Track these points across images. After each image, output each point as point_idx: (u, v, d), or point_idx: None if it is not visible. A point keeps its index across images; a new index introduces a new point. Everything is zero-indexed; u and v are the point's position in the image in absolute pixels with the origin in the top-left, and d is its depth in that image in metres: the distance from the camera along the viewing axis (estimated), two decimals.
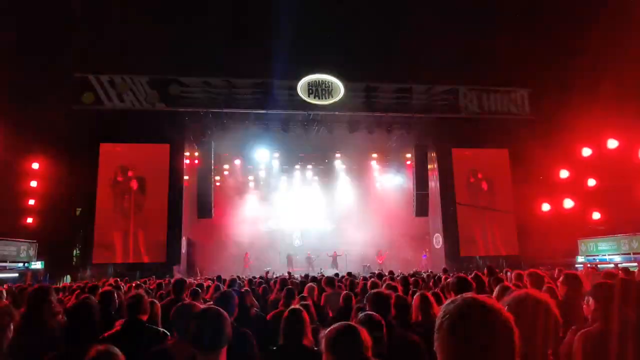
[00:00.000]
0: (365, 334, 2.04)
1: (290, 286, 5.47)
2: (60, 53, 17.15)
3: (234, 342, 2.34)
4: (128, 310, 3.55)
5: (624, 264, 14.38)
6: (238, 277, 9.38)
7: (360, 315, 2.91)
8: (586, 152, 17.93)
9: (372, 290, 3.99)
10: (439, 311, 1.27)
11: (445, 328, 1.19)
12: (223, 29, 18.45)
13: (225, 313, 2.33)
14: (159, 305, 4.16)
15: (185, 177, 18.73)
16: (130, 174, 17.94)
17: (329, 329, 2.06)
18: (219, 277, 10.01)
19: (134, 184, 17.93)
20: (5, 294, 6.13)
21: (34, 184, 17.38)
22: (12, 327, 2.57)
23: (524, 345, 1.70)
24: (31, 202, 17.21)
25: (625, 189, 16.58)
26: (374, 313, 2.91)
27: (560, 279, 4.14)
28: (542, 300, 1.87)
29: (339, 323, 2.10)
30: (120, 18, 17.54)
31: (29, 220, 17.07)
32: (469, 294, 1.27)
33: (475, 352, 1.14)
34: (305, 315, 3.15)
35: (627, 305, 2.41)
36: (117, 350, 2.06)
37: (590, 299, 2.57)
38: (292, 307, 3.32)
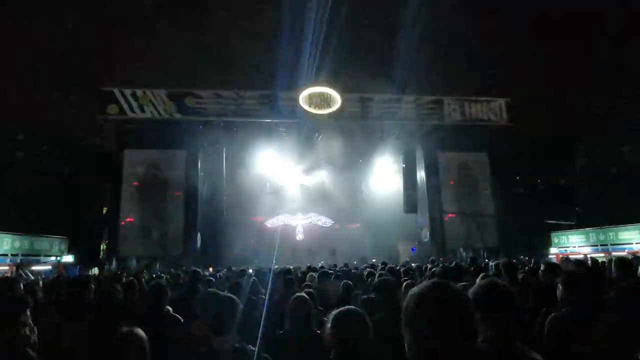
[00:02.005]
0: (367, 318, 2.01)
1: (290, 276, 5.46)
2: (88, 69, 17.23)
3: (245, 325, 2.34)
4: (150, 297, 3.56)
5: (593, 255, 14.39)
6: (247, 268, 9.38)
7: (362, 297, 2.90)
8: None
9: (380, 278, 3.97)
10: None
11: (411, 308, 1.17)
12: (232, 47, 18.52)
13: (237, 299, 2.34)
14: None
15: (200, 179, 18.72)
16: (150, 177, 17.95)
17: (335, 312, 2.03)
18: (228, 269, 10.03)
19: (154, 186, 17.94)
20: (41, 284, 6.13)
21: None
22: (28, 312, 2.53)
23: (490, 328, 1.68)
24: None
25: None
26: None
27: (542, 268, 4.14)
28: (504, 288, 1.86)
29: (345, 307, 2.07)
30: (142, 38, 17.61)
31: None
32: (433, 280, 1.26)
33: (438, 328, 1.12)
34: (309, 301, 3.13)
35: (592, 291, 2.42)
36: (140, 332, 2.04)
37: (560, 285, 2.57)
38: (298, 294, 3.29)
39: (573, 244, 17.88)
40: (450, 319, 1.13)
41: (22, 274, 9.91)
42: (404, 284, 4.08)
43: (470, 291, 1.86)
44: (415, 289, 1.20)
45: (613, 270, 5.37)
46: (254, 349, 2.27)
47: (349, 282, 5.32)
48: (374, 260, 17.16)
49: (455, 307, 1.14)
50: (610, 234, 16.26)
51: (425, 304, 1.15)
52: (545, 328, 2.39)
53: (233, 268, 10.51)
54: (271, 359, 2.39)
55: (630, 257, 8.34)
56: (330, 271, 7.63)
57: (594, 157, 20.66)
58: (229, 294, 2.48)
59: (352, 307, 2.09)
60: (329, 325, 1.98)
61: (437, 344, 1.12)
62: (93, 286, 3.66)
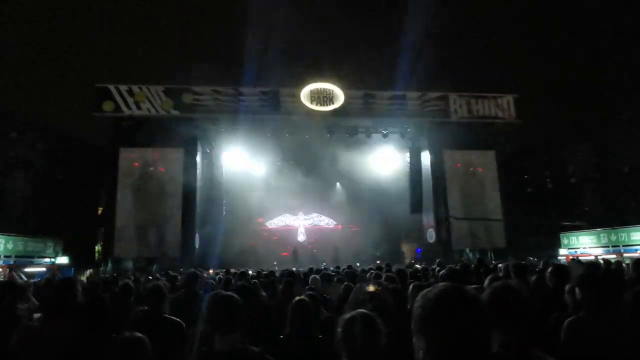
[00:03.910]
0: (378, 322, 1.98)
1: (289, 278, 5.43)
2: (82, 65, 17.22)
3: (247, 327, 2.32)
4: (147, 300, 3.53)
5: (604, 256, 14.33)
6: (247, 270, 9.33)
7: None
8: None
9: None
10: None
11: (425, 313, 1.15)
12: (231, 42, 18.48)
13: (239, 299, 2.33)
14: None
15: (198, 178, 18.70)
16: (147, 175, 17.91)
17: (345, 316, 2.00)
18: (227, 271, 9.99)
19: (151, 185, 17.89)
20: (32, 288, 6.11)
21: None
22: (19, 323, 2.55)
23: (504, 331, 1.65)
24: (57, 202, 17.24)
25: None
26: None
27: (549, 270, 4.07)
28: (518, 290, 1.83)
29: (355, 311, 2.04)
30: (138, 33, 17.58)
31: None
32: (445, 283, 1.23)
33: (453, 334, 1.10)
34: (310, 304, 3.09)
35: (611, 294, 2.38)
36: (143, 337, 2.05)
37: (577, 289, 2.53)
38: (298, 297, 3.25)
39: (583, 245, 17.77)
40: (466, 323, 1.11)
41: (16, 276, 9.90)
42: (411, 285, 4.03)
43: (484, 294, 1.83)
44: (428, 293, 1.18)
45: (629, 272, 5.32)
46: (256, 349, 2.24)
47: (350, 284, 5.28)
48: (378, 262, 17.13)
49: (470, 311, 1.12)
50: (622, 234, 16.17)
51: (440, 309, 1.13)
52: (562, 332, 2.36)
53: (232, 270, 10.47)
54: None
55: None
56: (332, 273, 7.58)
57: (606, 156, 20.56)
58: (232, 293, 2.46)
59: (362, 310, 2.06)
60: (338, 329, 1.95)
61: (451, 349, 1.09)
62: (80, 288, 3.62)
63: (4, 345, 2.40)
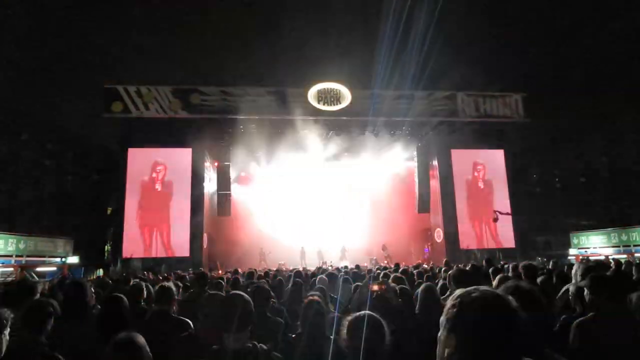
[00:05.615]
0: (383, 323, 1.99)
1: (298, 278, 5.45)
2: (91, 66, 17.40)
3: (258, 326, 2.35)
4: (155, 301, 3.57)
5: (614, 256, 14.19)
6: (255, 270, 9.37)
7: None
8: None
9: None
10: (449, 301, 1.20)
11: (463, 314, 1.14)
12: (239, 43, 18.57)
13: (248, 297, 2.36)
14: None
15: (206, 178, 18.80)
16: (155, 175, 18.05)
17: (350, 318, 2.02)
18: (236, 271, 10.04)
19: (160, 185, 18.05)
20: (46, 286, 6.20)
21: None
22: (51, 320, 2.60)
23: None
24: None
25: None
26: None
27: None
28: (531, 291, 1.83)
29: (361, 312, 2.06)
30: (146, 34, 17.73)
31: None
32: (479, 287, 1.22)
33: (493, 338, 1.10)
34: (322, 305, 3.11)
35: (619, 296, 2.38)
36: (139, 338, 2.05)
37: (585, 290, 2.53)
38: (310, 297, 3.27)
39: (593, 245, 17.63)
40: (502, 328, 1.11)
41: (27, 275, 10.04)
42: (423, 286, 4.05)
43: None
44: (467, 298, 1.17)
45: (635, 273, 5.28)
46: (265, 347, 2.27)
47: (358, 284, 5.30)
48: (385, 262, 17.12)
49: (506, 316, 1.13)
50: (633, 234, 16.02)
51: (477, 311, 1.13)
52: (571, 333, 2.36)
53: (240, 270, 10.51)
54: (283, 359, 2.40)
55: None
56: (339, 273, 7.59)
57: (616, 154, 20.35)
58: (241, 292, 2.49)
59: (368, 312, 2.08)
60: (344, 330, 1.97)
61: (488, 353, 1.10)
62: (92, 289, 3.68)
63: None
